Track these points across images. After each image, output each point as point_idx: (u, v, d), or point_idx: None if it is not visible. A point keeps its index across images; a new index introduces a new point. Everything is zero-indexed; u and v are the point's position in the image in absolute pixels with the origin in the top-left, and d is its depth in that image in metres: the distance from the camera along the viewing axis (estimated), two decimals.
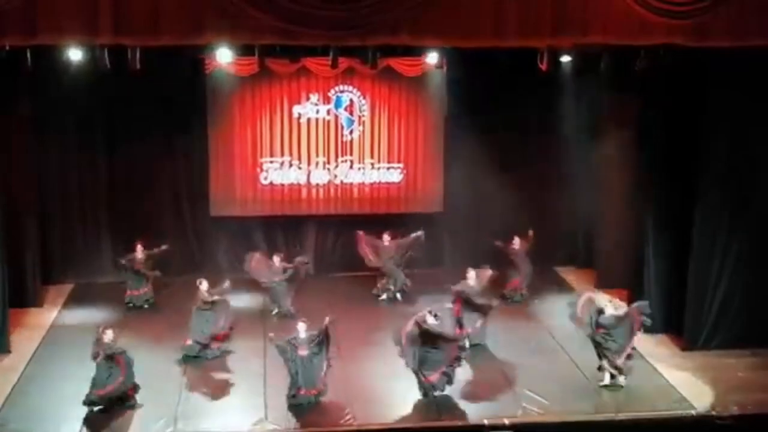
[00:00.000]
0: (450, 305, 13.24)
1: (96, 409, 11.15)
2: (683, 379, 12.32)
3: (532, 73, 13.73)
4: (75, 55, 12.78)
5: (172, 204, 16.18)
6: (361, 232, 15.24)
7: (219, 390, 12.00)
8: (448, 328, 12.30)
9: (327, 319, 11.41)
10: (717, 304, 13.14)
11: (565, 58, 14.18)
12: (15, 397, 11.70)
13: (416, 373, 11.52)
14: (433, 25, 10.96)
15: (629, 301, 12.84)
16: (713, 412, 11.32)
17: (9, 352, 12.95)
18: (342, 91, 16.00)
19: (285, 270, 14.34)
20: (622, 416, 11.29)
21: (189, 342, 12.70)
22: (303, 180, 16.22)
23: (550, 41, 11.82)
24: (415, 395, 11.63)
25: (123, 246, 15.17)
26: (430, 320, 11.50)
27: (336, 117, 16.08)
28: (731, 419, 11.01)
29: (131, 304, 14.63)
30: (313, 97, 15.96)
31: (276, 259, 14.52)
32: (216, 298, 12.87)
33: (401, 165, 16.41)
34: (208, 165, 15.95)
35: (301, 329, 11.42)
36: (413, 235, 15.17)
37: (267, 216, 16.29)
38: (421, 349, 11.43)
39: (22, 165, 14.56)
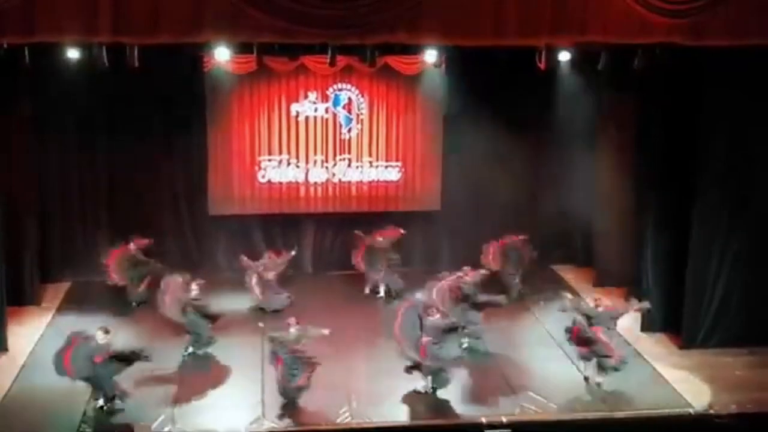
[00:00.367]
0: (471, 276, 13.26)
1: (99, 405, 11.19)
2: (681, 378, 12.33)
3: (530, 71, 13.75)
4: (73, 54, 12.77)
5: (170, 202, 16.14)
6: (360, 236, 15.28)
7: (217, 388, 12.00)
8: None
9: (326, 331, 11.46)
10: (715, 303, 13.16)
11: (564, 57, 14.17)
12: (12, 395, 11.69)
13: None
14: (431, 23, 10.92)
15: (626, 299, 12.90)
16: (711, 411, 11.33)
17: (6, 350, 12.94)
18: (340, 90, 15.96)
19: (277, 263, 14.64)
20: (620, 415, 11.29)
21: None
22: (301, 178, 16.19)
23: (549, 40, 11.81)
24: (413, 394, 11.64)
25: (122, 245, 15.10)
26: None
27: (334, 115, 16.04)
28: (729, 418, 10.94)
29: (133, 303, 14.62)
30: (312, 95, 15.91)
31: (266, 255, 14.74)
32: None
33: (399, 163, 16.39)
34: (206, 163, 15.92)
35: (293, 328, 11.45)
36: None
37: (265, 214, 16.26)
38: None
39: (22, 165, 14.54)
